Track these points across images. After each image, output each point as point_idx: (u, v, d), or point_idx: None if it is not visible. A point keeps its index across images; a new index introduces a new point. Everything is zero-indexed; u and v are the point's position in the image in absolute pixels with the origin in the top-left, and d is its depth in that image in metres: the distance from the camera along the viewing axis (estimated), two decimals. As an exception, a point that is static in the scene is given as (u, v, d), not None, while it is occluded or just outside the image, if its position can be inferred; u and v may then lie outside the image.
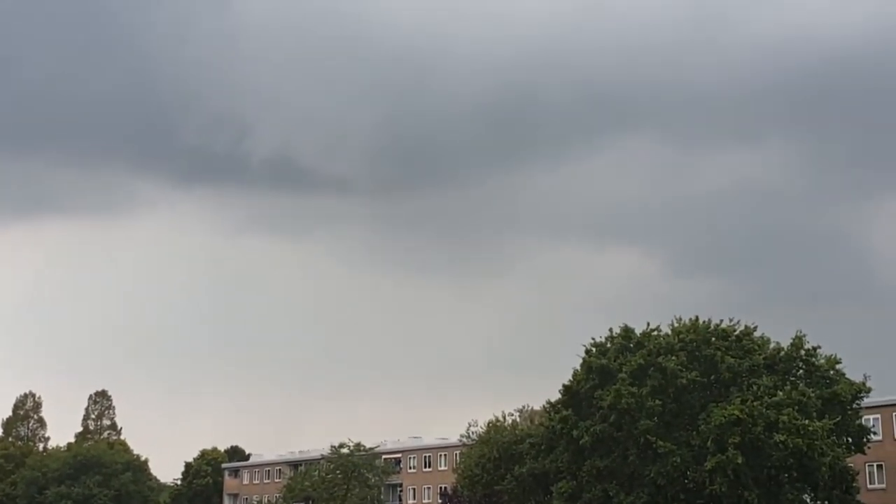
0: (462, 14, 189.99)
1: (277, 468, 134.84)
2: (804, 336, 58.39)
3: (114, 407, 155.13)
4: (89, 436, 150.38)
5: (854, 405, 56.85)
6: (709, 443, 53.55)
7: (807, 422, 52.34)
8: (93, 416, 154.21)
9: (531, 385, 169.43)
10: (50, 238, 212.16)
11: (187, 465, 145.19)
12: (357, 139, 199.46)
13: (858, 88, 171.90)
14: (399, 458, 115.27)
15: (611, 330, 61.45)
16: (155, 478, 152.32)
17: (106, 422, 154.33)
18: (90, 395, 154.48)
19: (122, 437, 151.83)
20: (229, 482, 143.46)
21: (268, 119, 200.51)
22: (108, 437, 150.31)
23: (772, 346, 58.85)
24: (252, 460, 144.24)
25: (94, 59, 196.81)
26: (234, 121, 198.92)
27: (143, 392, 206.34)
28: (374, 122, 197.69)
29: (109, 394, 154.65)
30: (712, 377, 57.80)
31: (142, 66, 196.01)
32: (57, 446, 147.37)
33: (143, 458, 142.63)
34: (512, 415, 79.63)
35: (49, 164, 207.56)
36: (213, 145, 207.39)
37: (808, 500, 56.52)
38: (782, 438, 51.81)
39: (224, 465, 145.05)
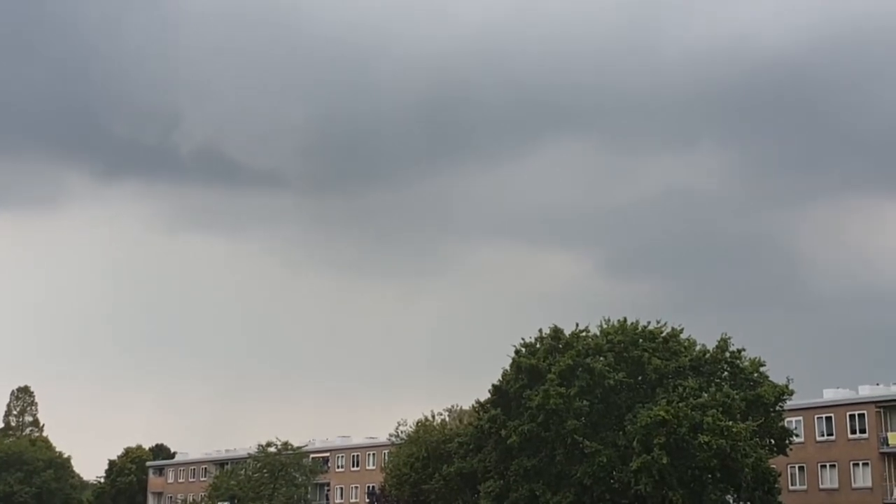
0: (400, 12, 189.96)
1: (203, 467, 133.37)
2: (729, 339, 59.42)
3: (36, 403, 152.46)
4: (11, 432, 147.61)
5: (777, 407, 57.91)
6: (635, 443, 54.11)
7: (731, 423, 53.15)
8: (14, 413, 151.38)
9: (461, 384, 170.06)
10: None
11: (111, 463, 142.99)
12: (291, 135, 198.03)
13: (789, 96, 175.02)
14: (327, 457, 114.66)
15: (540, 330, 61.88)
16: (78, 475, 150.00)
17: (28, 418, 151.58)
18: (12, 391, 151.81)
19: (44, 433, 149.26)
20: (154, 480, 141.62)
21: (199, 111, 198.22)
22: (29, 434, 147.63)
23: (697, 348, 59.70)
24: (177, 459, 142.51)
25: (21, 46, 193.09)
26: (165, 112, 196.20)
27: (66, 388, 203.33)
28: (308, 118, 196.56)
29: (32, 390, 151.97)
30: (639, 378, 58.46)
31: (70, 55, 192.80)
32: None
33: (65, 456, 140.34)
34: (441, 414, 79.68)
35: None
36: (142, 137, 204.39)
37: (731, 501, 57.48)
38: (706, 439, 52.53)
39: (148, 464, 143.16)
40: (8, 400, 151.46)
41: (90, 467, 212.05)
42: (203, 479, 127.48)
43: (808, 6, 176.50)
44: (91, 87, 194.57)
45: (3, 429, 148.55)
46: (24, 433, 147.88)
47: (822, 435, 72.51)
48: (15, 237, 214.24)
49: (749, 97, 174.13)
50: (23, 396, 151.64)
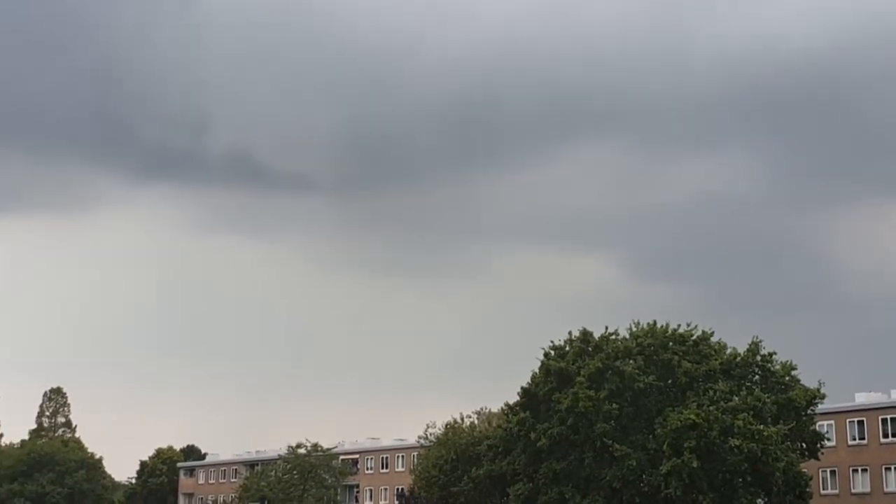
0: (428, 14, 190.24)
1: (233, 468, 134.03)
2: (760, 342, 58.97)
3: (69, 404, 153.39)
4: (43, 433, 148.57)
5: (808, 411, 57.47)
6: (665, 447, 53.87)
7: (762, 427, 52.81)
8: (47, 414, 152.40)
9: (490, 387, 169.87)
10: (5, 234, 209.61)
11: (142, 464, 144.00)
12: (320, 137, 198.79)
13: (819, 98, 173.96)
14: (356, 458, 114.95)
15: (570, 333, 61.72)
16: (109, 476, 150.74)
17: (60, 419, 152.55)
18: (45, 392, 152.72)
19: (76, 434, 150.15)
20: (184, 481, 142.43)
21: (230, 115, 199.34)
22: (62, 435, 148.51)
23: (728, 351, 59.28)
24: (208, 460, 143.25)
25: (54, 51, 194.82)
26: (196, 116, 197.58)
27: (98, 390, 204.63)
28: (337, 121, 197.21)
29: (64, 391, 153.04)
30: (669, 381, 58.16)
31: (102, 60, 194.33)
32: (10, 443, 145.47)
33: (97, 457, 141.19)
34: (470, 417, 79.71)
35: (5, 158, 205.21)
36: (173, 141, 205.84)
37: (762, 505, 57.08)
38: (737, 443, 52.22)
39: (179, 465, 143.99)
40: (41, 401, 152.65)
41: (122, 468, 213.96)
42: (233, 480, 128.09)
43: (838, 5, 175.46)
44: (122, 92, 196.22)
45: (35, 430, 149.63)
46: (56, 434, 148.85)
47: (854, 439, 72.04)
48: (47, 240, 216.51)
49: (779, 98, 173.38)
50: (55, 397, 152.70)
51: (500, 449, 63.82)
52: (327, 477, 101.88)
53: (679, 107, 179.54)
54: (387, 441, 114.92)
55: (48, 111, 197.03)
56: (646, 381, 56.69)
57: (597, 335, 60.86)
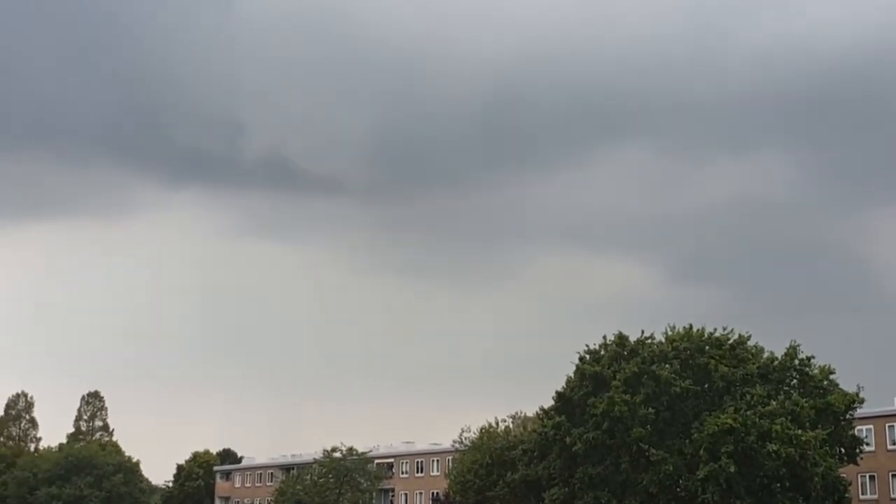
0: (459, 17, 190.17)
1: (269, 471, 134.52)
2: (798, 346, 58.52)
3: (106, 408, 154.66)
4: (81, 437, 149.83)
5: (847, 415, 56.92)
6: (701, 451, 53.55)
7: (800, 432, 52.40)
8: (85, 417, 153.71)
9: (525, 391, 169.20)
10: (43, 239, 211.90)
11: (179, 468, 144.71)
12: (353, 141, 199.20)
13: (853, 100, 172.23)
14: (391, 462, 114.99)
15: (605, 337, 61.58)
16: (146, 480, 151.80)
17: (98, 423, 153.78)
18: (83, 396, 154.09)
19: (114, 438, 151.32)
20: (221, 485, 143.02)
21: (263, 119, 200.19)
22: (99, 439, 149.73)
23: (765, 355, 58.92)
24: (244, 463, 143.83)
25: (88, 56, 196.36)
26: (229, 120, 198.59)
27: (135, 393, 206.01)
28: (370, 124, 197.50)
29: (102, 395, 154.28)
30: (706, 386, 57.82)
31: (137, 64, 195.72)
32: (48, 447, 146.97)
33: (134, 460, 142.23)
34: (505, 421, 79.66)
35: (41, 164, 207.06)
36: (208, 145, 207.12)
37: (801, 510, 56.55)
38: (775, 448, 51.83)
39: (216, 468, 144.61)
40: (78, 405, 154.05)
41: (159, 472, 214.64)
42: (269, 483, 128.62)
43: (872, 7, 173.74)
44: (157, 96, 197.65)
45: (73, 433, 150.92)
46: (94, 438, 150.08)
47: (894, 443, 71.15)
48: (84, 245, 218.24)
49: (813, 100, 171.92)
50: (93, 401, 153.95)
51: (535, 453, 63.68)
52: (362, 481, 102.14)
53: (714, 109, 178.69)
54: (422, 445, 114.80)
55: (83, 116, 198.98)
56: (682, 385, 56.40)
57: (632, 339, 60.63)
